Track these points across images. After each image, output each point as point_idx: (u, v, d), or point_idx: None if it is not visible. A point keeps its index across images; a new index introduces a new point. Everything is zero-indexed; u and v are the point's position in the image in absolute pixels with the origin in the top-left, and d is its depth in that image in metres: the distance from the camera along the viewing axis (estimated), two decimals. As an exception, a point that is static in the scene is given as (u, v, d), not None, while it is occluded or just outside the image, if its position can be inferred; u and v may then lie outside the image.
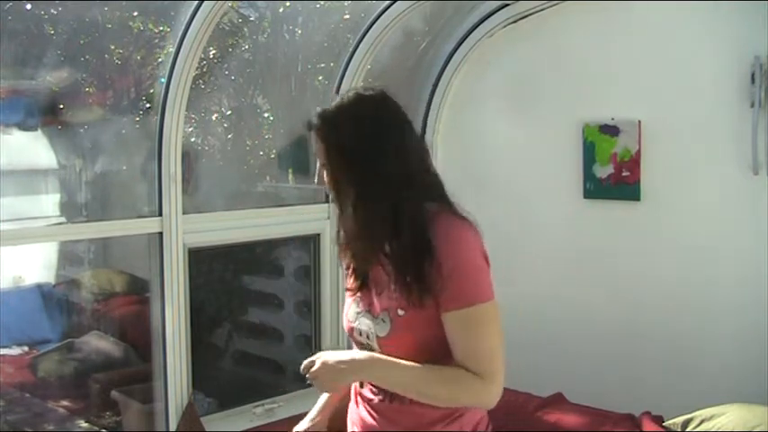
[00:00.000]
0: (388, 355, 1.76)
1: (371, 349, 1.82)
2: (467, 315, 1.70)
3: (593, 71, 3.47)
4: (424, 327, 1.74)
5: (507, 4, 3.60)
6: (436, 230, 1.72)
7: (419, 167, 1.81)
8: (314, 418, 2.09)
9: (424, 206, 1.76)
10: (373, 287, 1.84)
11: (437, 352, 1.74)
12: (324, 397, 2.11)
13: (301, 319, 4.12)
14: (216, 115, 4.24)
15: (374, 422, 1.85)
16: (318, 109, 1.81)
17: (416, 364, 1.72)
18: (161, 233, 3.16)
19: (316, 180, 1.84)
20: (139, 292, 4.86)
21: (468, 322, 1.71)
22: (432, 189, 1.81)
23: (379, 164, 1.74)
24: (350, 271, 1.92)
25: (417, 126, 4.02)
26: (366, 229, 1.77)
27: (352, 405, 1.95)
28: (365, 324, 1.84)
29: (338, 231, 1.86)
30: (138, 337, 4.57)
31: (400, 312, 1.75)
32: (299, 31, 4.37)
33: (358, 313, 1.88)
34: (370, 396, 1.86)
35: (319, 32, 4.23)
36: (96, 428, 4.39)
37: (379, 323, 1.79)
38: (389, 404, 1.82)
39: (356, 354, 1.83)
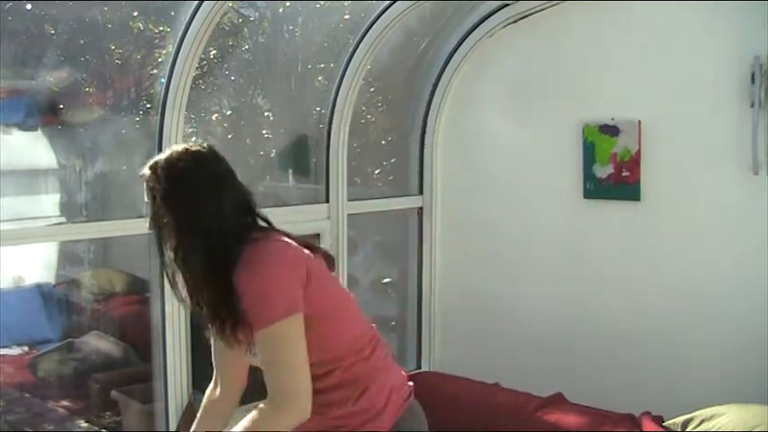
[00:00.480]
0: None
1: None
2: (261, 338, 1.84)
3: (593, 71, 3.47)
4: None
5: (507, 4, 3.60)
6: (239, 265, 1.85)
7: (236, 214, 1.93)
8: None
9: (241, 246, 1.87)
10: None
11: None
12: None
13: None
14: (216, 115, 4.24)
15: None
16: (150, 161, 1.95)
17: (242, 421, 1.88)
18: (161, 233, 3.15)
19: (147, 226, 1.95)
20: (139, 292, 4.85)
21: (263, 345, 1.85)
22: (249, 230, 1.93)
23: (196, 214, 1.88)
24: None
25: (417, 126, 4.03)
26: (189, 272, 1.91)
27: None
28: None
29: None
30: (138, 337, 4.56)
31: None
32: (299, 32, 4.37)
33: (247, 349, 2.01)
34: None
35: (319, 32, 4.23)
36: (96, 428, 4.39)
37: (255, 356, 1.93)
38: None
39: None
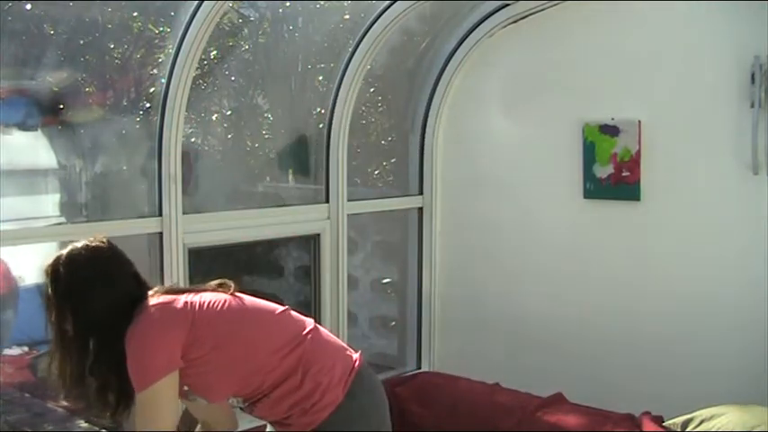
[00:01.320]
0: None
1: None
2: (138, 400, 1.99)
3: (593, 71, 3.47)
4: None
5: (507, 4, 3.60)
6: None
7: (125, 301, 2.08)
8: None
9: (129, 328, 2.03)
10: None
11: None
12: None
13: (301, 318, 4.11)
14: (216, 115, 4.23)
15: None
16: (54, 256, 2.10)
17: None
18: (161, 233, 3.16)
19: (49, 319, 2.06)
20: (139, 292, 4.85)
21: (138, 407, 2.00)
22: (134, 313, 2.06)
23: (87, 305, 2.04)
24: None
25: (417, 126, 4.03)
26: (68, 356, 2.04)
27: None
28: None
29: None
30: (139, 337, 4.56)
31: None
32: (299, 32, 4.37)
33: None
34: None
35: (319, 33, 4.23)
36: (96, 428, 4.38)
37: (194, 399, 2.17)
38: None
39: None
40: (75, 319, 2.03)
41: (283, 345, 2.12)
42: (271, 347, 2.11)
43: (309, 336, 2.17)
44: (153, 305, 2.07)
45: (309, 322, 2.24)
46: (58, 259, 2.07)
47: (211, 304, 2.10)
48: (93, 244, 2.12)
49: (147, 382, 1.96)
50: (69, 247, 2.11)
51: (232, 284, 2.20)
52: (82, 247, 2.10)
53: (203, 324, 2.05)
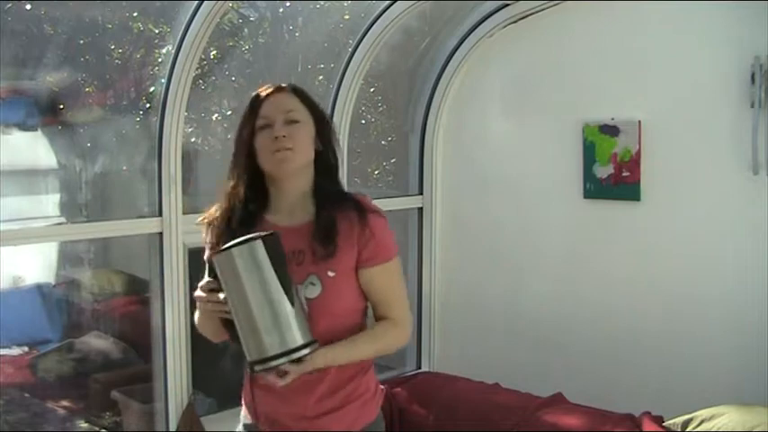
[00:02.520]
0: (316, 314, 1.91)
1: None
2: (384, 270, 2.01)
3: (593, 71, 3.47)
4: (349, 284, 1.98)
5: (507, 4, 3.60)
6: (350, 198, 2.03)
7: None
8: None
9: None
10: (287, 258, 1.91)
11: (355, 305, 2.02)
12: None
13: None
14: (216, 115, 4.24)
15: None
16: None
17: (352, 338, 1.96)
18: (161, 233, 3.16)
19: (279, 134, 1.98)
20: (139, 292, 4.86)
21: (384, 276, 2.02)
22: None
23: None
24: None
25: (417, 126, 4.03)
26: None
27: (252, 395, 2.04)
28: None
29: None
30: (138, 338, 4.57)
31: (330, 274, 1.94)
32: (299, 32, 4.37)
33: None
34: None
35: (319, 33, 4.23)
36: (96, 428, 4.39)
37: (307, 287, 1.94)
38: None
39: None
40: None
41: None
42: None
43: None
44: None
45: None
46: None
47: None
48: None
49: (394, 254, 2.07)
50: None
51: None
52: None
53: None
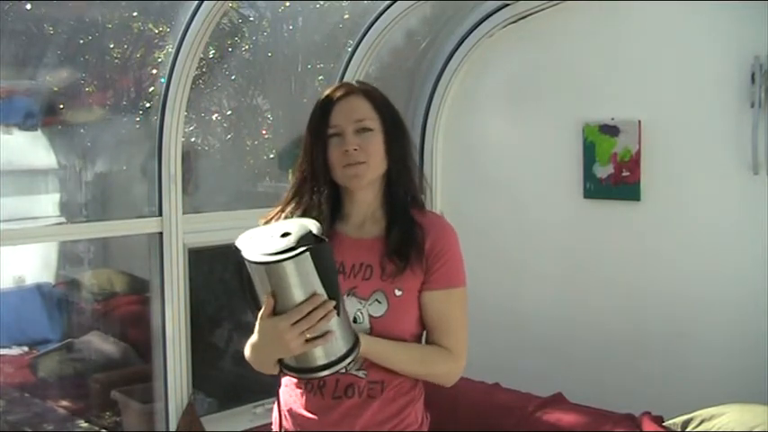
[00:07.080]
0: (379, 334, 1.84)
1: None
2: (452, 295, 1.91)
3: (593, 71, 3.47)
4: (414, 306, 1.89)
5: (507, 4, 3.60)
6: (424, 214, 1.95)
7: None
8: None
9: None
10: (354, 271, 1.88)
11: (416, 330, 1.92)
12: None
13: (301, 318, 4.11)
14: (216, 115, 4.24)
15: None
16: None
17: (402, 342, 1.87)
18: (161, 233, 3.16)
19: (351, 147, 1.86)
20: (139, 292, 4.85)
21: (450, 301, 1.91)
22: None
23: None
24: None
25: (417, 126, 4.03)
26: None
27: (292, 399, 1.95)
28: (349, 306, 1.86)
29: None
30: (138, 337, 4.56)
31: (397, 293, 1.86)
32: (299, 32, 4.37)
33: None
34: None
35: (319, 33, 4.23)
36: (96, 428, 4.39)
37: (372, 303, 1.87)
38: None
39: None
40: None
41: None
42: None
43: None
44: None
45: None
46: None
47: None
48: None
49: (464, 281, 1.97)
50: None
51: None
52: None
53: None
